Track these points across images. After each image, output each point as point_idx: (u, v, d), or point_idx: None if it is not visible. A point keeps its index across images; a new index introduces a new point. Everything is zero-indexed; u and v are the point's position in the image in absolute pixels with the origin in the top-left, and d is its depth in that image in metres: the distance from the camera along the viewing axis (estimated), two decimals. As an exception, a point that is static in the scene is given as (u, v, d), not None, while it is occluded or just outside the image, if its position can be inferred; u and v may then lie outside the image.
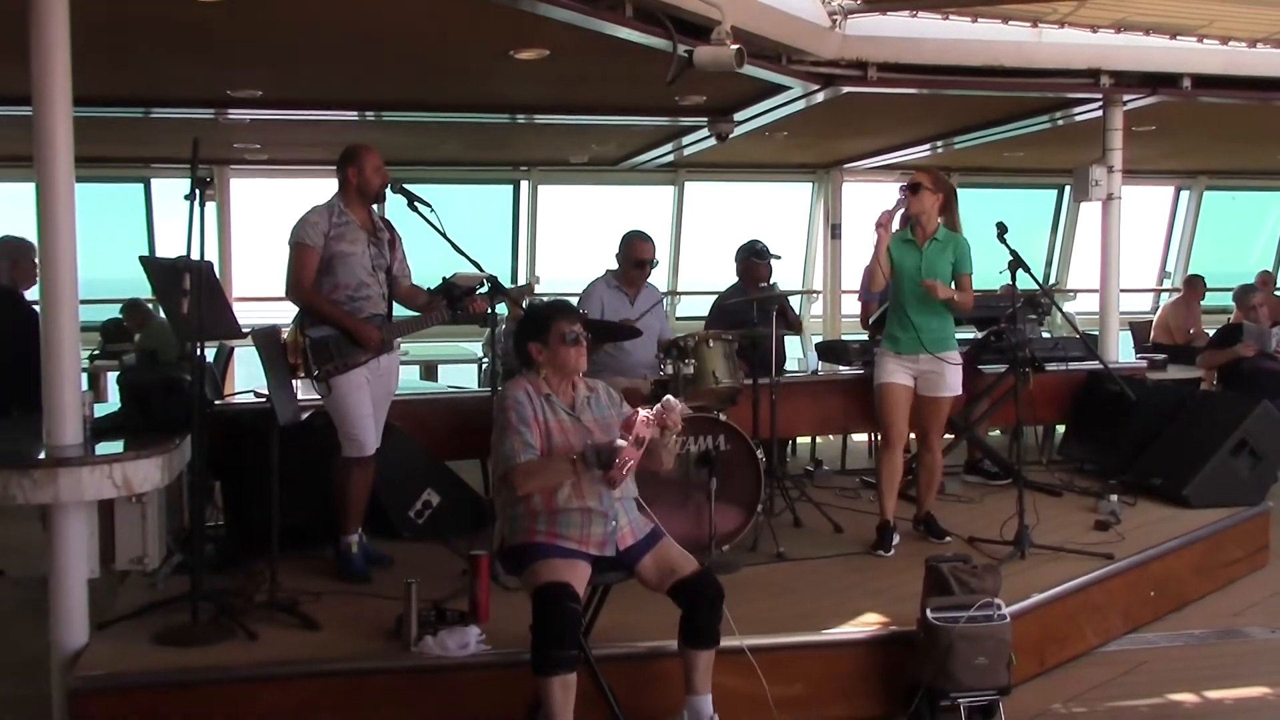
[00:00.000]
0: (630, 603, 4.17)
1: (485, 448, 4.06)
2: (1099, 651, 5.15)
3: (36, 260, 5.73)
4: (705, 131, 9.13)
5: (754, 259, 7.38)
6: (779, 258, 7.33)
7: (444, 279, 5.19)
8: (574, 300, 6.02)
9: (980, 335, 7.41)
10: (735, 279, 7.57)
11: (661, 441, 3.89)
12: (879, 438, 5.95)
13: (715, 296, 7.86)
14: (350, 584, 5.03)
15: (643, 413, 3.78)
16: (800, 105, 7.91)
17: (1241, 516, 6.28)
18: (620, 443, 3.73)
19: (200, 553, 4.54)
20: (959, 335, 7.42)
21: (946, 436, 7.29)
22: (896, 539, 5.66)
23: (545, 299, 4.29)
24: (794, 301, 11.95)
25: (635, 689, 4.09)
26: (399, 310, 5.29)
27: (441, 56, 6.72)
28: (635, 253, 6.29)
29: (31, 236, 4.14)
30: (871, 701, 4.45)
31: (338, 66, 7.03)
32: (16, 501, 3.96)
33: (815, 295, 13.19)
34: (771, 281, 7.29)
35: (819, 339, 8.83)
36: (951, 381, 5.68)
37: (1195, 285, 10.72)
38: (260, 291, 11.31)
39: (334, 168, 5.19)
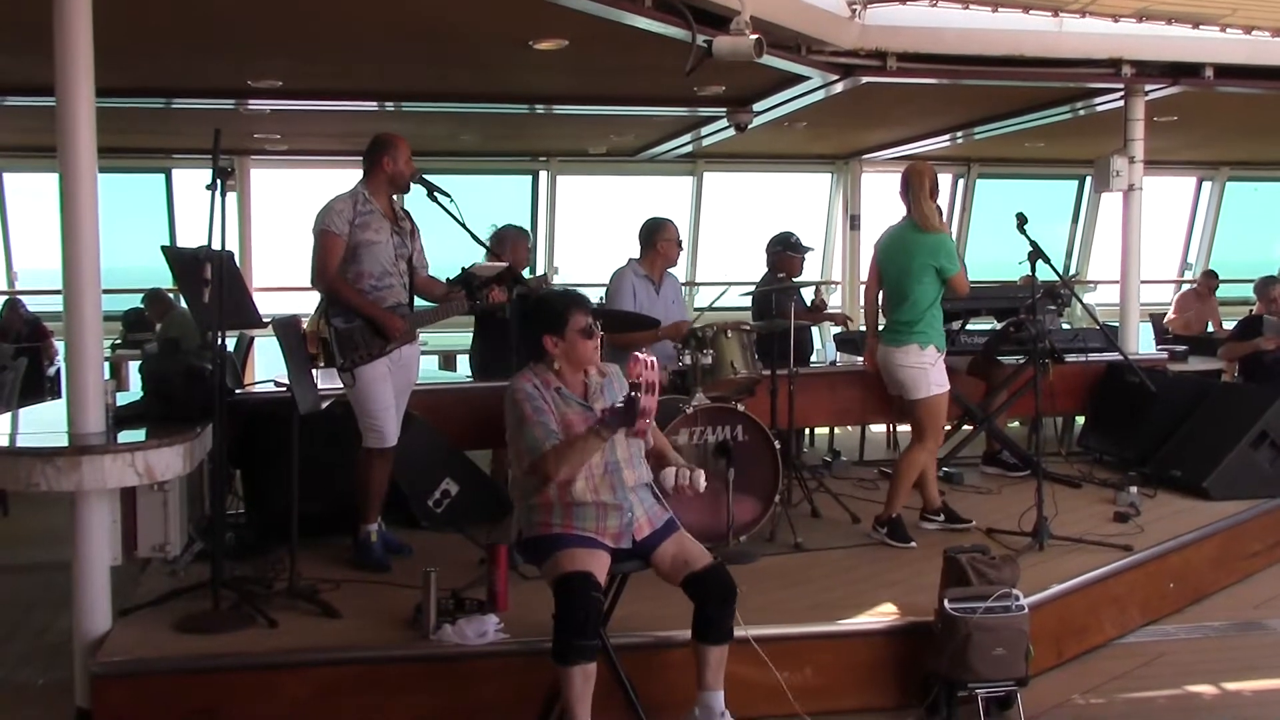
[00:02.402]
0: (646, 592, 4.18)
1: (503, 438, 4.07)
2: (1117, 643, 5.13)
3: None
4: (724, 122, 9.11)
5: (787, 252, 7.37)
6: (811, 250, 7.31)
7: (463, 269, 5.21)
8: (600, 290, 6.03)
9: (1000, 326, 7.38)
10: (765, 270, 7.55)
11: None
12: (905, 434, 5.89)
13: (728, 288, 7.87)
14: (370, 572, 5.06)
15: (640, 355, 3.68)
16: (819, 95, 7.89)
17: (1262, 509, 6.25)
18: (633, 395, 3.60)
19: (221, 541, 4.57)
20: (980, 325, 7.43)
21: (965, 427, 7.32)
22: None
23: (558, 289, 4.26)
24: (811, 293, 11.97)
25: (651, 678, 4.10)
26: (417, 301, 5.31)
27: (461, 47, 6.73)
28: (671, 231, 6.29)
29: (54, 227, 4.17)
30: (888, 692, 4.45)
31: (357, 57, 7.05)
32: (40, 489, 4.00)
33: (834, 286, 13.17)
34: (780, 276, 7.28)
35: (838, 330, 8.79)
36: None
37: (1209, 279, 10.83)
38: (281, 281, 11.37)
39: (353, 157, 5.21)
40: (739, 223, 13.32)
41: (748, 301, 7.62)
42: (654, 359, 3.66)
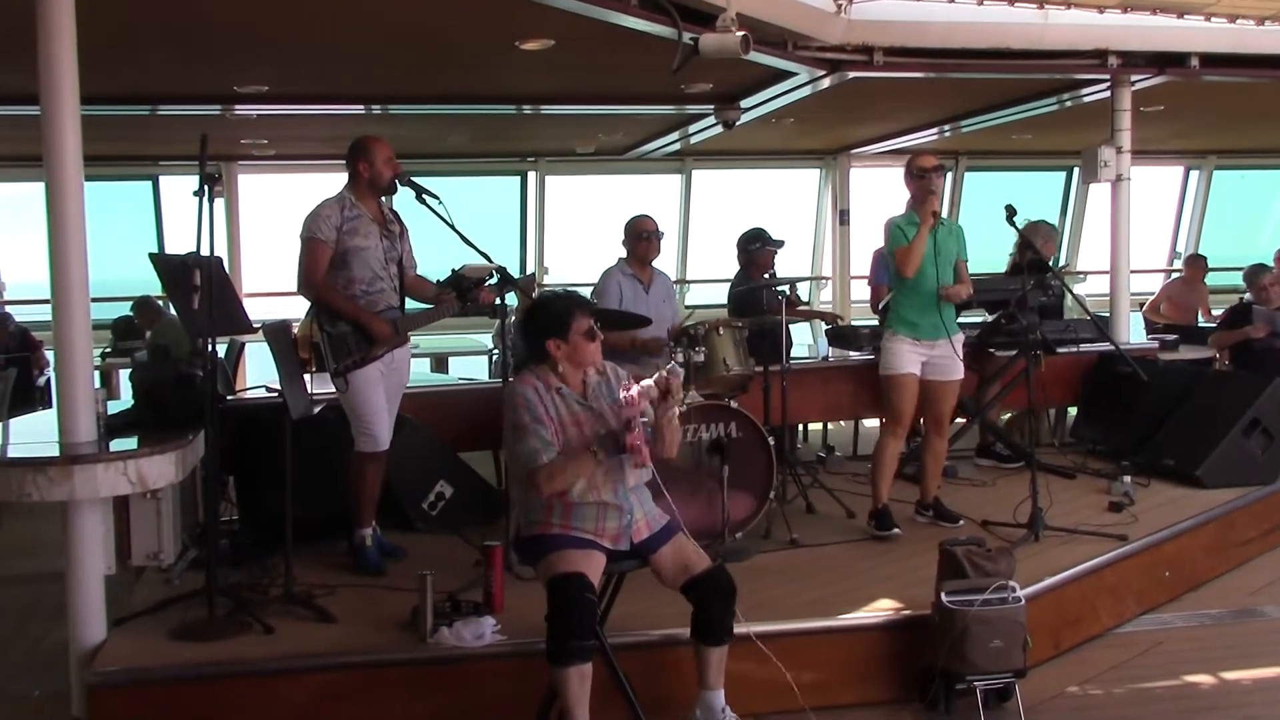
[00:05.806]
0: (644, 592, 4.17)
1: (497, 439, 4.07)
2: (1114, 633, 5.14)
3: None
4: (712, 119, 9.11)
5: (752, 246, 7.34)
6: (782, 243, 7.28)
7: (453, 271, 5.19)
8: (588, 290, 6.02)
9: (991, 318, 7.39)
10: (739, 269, 7.51)
11: (665, 412, 3.81)
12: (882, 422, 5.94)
13: (723, 284, 7.82)
14: (365, 576, 5.04)
15: (634, 388, 3.75)
16: (806, 91, 7.89)
17: (1255, 496, 6.27)
18: (628, 422, 3.70)
19: (215, 548, 4.56)
20: (968, 319, 7.43)
21: (958, 420, 7.32)
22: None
23: (556, 290, 4.24)
24: (803, 288, 11.90)
25: (650, 677, 4.10)
26: (409, 303, 5.30)
27: (447, 48, 6.72)
28: (638, 226, 6.26)
29: (41, 237, 4.15)
30: (886, 686, 4.45)
31: (343, 60, 7.03)
32: (33, 499, 3.99)
33: (824, 281, 13.18)
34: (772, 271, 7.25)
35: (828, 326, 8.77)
36: (961, 363, 5.73)
37: (1197, 264, 10.83)
38: (270, 287, 11.34)
39: (341, 161, 5.19)
40: (729, 220, 13.30)
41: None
42: (637, 392, 3.72)
